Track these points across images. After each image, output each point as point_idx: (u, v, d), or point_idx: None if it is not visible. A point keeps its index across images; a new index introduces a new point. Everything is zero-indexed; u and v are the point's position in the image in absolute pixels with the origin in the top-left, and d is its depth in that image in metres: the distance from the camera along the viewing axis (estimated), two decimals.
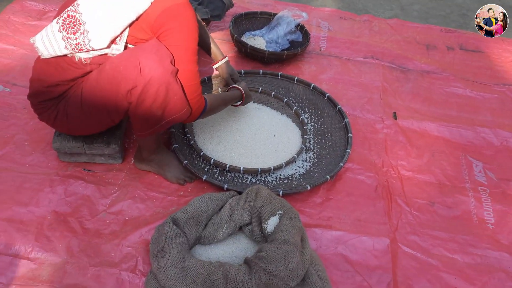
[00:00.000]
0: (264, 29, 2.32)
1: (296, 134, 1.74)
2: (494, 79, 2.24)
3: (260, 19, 2.36)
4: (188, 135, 1.60)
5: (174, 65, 1.23)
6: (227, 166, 1.50)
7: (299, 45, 2.24)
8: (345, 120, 1.78)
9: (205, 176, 1.45)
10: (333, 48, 2.34)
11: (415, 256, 1.40)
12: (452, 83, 2.18)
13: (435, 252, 1.42)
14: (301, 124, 1.77)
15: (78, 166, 1.50)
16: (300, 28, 2.29)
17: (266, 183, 1.53)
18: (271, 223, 1.23)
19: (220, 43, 2.22)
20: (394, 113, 1.95)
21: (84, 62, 1.26)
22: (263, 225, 1.24)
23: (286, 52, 2.07)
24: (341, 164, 1.58)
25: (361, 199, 1.55)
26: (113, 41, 1.23)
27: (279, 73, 1.98)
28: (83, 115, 1.31)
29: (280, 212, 1.25)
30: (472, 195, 1.62)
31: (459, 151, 1.82)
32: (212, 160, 1.51)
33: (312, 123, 1.82)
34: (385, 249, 1.40)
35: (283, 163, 1.56)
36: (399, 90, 2.10)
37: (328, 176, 1.52)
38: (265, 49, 2.14)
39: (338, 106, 1.84)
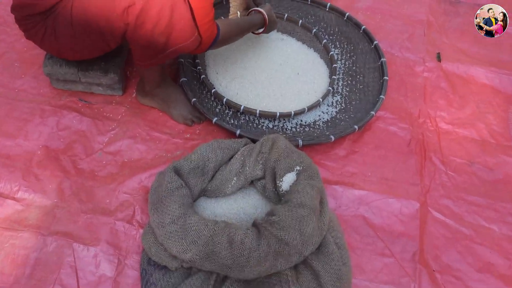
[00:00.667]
0: None
1: (323, 73, 1.52)
2: None
3: None
4: (199, 67, 1.40)
5: None
6: (242, 108, 1.31)
7: None
8: (382, 59, 1.53)
9: (215, 118, 1.27)
10: None
11: (447, 223, 1.25)
12: (509, 21, 1.86)
13: (469, 220, 1.26)
14: (330, 61, 1.54)
15: (73, 96, 1.33)
16: None
17: (284, 130, 1.35)
18: (287, 181, 1.07)
19: None
20: (438, 53, 1.69)
21: None
22: (278, 182, 1.08)
23: None
24: (372, 112, 1.38)
25: (390, 153, 1.37)
26: None
27: None
28: (74, 36, 1.11)
29: (298, 168, 1.08)
30: None
31: (508, 103, 1.58)
32: (224, 100, 1.32)
33: (343, 61, 1.58)
34: (414, 213, 1.24)
35: (306, 108, 1.36)
36: (446, 25, 1.81)
37: (356, 127, 1.33)
38: None
39: (375, 42, 1.58)
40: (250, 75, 1.44)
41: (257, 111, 1.31)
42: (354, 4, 1.82)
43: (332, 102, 1.46)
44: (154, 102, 1.31)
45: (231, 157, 1.14)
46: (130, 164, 1.22)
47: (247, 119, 1.35)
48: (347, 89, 1.50)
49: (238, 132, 1.25)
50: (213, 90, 1.34)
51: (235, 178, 1.11)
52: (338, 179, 1.28)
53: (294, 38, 1.61)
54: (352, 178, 1.29)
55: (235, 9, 1.63)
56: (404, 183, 1.31)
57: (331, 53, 1.54)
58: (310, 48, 1.59)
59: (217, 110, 1.35)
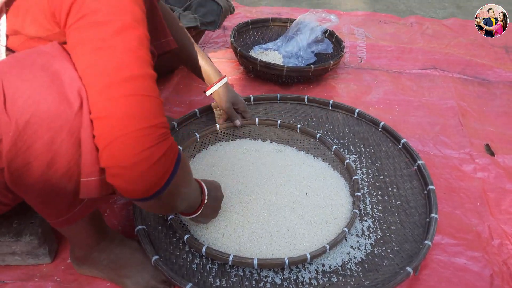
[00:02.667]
0: (279, 40, 1.76)
1: (342, 190, 1.12)
2: None
3: (273, 28, 1.81)
4: None
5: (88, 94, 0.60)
6: (230, 259, 0.88)
7: (329, 58, 1.65)
8: (418, 162, 1.15)
9: (189, 285, 0.82)
10: (376, 59, 1.75)
11: None
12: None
13: None
14: (347, 172, 1.15)
15: None
16: (329, 35, 1.72)
17: (300, 284, 0.90)
18: None
19: (219, 63, 1.65)
20: (487, 145, 1.32)
21: None
22: None
23: (313, 66, 1.49)
24: (427, 242, 0.94)
25: None
26: None
27: (306, 97, 1.39)
28: None
29: None
30: None
31: None
32: (204, 249, 0.90)
33: (364, 170, 1.20)
34: None
35: (327, 246, 0.93)
36: (484, 110, 1.47)
37: (410, 269, 0.88)
38: (282, 64, 1.56)
39: (403, 141, 1.22)
40: (239, 206, 1.03)
41: (255, 261, 0.88)
42: (361, 98, 1.52)
43: (363, 230, 1.03)
44: (97, 271, 0.88)
45: None
46: None
47: (241, 274, 0.91)
48: (379, 208, 1.09)
49: None
50: (186, 237, 0.92)
51: None
52: None
53: (294, 148, 1.26)
54: None
55: (217, 120, 1.31)
56: None
57: (347, 161, 1.16)
58: (318, 157, 1.22)
59: (194, 267, 0.92)
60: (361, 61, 1.73)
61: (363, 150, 1.27)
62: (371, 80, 1.61)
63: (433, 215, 1.01)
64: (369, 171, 1.20)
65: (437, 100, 1.50)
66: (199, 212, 0.85)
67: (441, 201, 1.13)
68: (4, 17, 0.63)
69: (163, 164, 0.61)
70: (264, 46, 1.76)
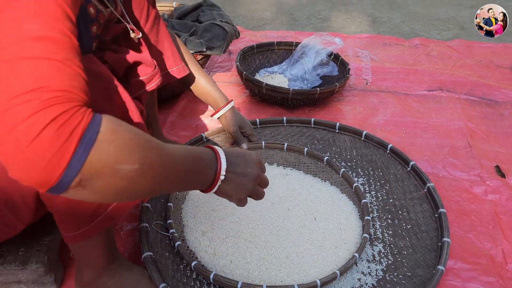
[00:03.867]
0: (284, 63, 1.79)
1: (351, 214, 1.12)
2: None
3: (278, 52, 1.84)
4: (172, 230, 1.00)
5: None
6: (239, 286, 0.87)
7: (335, 81, 1.67)
8: (428, 184, 1.15)
9: None
10: (382, 81, 1.76)
11: None
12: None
13: None
14: (356, 196, 1.15)
15: None
16: (334, 58, 1.74)
17: None
18: None
19: (224, 86, 1.68)
20: (497, 166, 1.32)
21: None
22: None
23: (318, 89, 1.50)
24: (440, 267, 0.93)
25: None
26: None
27: (312, 119, 1.40)
28: None
29: None
30: None
31: None
32: (212, 276, 0.89)
33: (373, 193, 1.20)
34: None
35: (337, 272, 0.92)
36: (493, 131, 1.48)
37: None
38: (288, 87, 1.58)
39: (411, 163, 1.22)
40: (247, 231, 1.03)
41: (264, 287, 0.87)
42: (368, 120, 1.52)
43: (374, 255, 1.02)
44: None
45: None
46: None
47: None
48: (390, 232, 1.08)
49: None
50: (193, 264, 0.92)
51: None
52: None
53: (301, 171, 1.26)
54: None
55: (225, 141, 1.32)
56: None
57: (355, 184, 1.16)
58: (325, 181, 1.22)
59: None
60: (366, 83, 1.74)
61: (371, 173, 1.27)
62: (377, 102, 1.63)
63: (445, 239, 1.00)
64: (378, 194, 1.20)
65: (445, 121, 1.51)
66: (215, 188, 0.69)
67: (453, 225, 1.12)
68: None
69: (53, 139, 0.43)
70: (269, 69, 1.79)
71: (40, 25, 0.46)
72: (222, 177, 0.69)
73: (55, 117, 0.43)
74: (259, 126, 1.40)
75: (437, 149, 1.38)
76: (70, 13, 0.50)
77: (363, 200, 1.12)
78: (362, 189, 1.18)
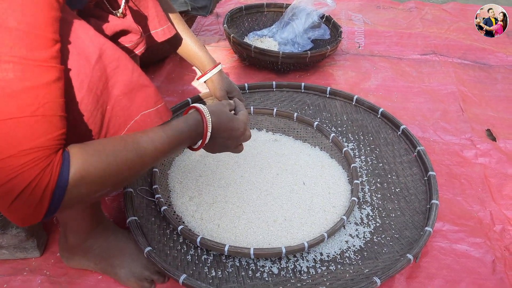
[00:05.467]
0: (274, 26, 1.75)
1: (340, 178, 1.12)
2: None
3: (268, 14, 1.80)
4: (157, 195, 1.00)
5: None
6: (226, 249, 0.88)
7: (326, 44, 1.65)
8: (418, 148, 1.15)
9: (183, 276, 0.82)
10: (375, 45, 1.74)
11: None
12: None
13: None
14: (345, 161, 1.15)
15: None
16: (326, 20, 1.71)
17: (297, 273, 0.90)
18: None
19: (212, 51, 1.65)
20: (488, 130, 1.32)
21: None
22: None
23: (309, 53, 1.48)
24: (428, 228, 0.94)
25: None
26: None
27: (302, 84, 1.38)
28: None
29: None
30: None
31: None
32: (198, 239, 0.90)
33: (363, 157, 1.20)
34: None
35: (325, 234, 0.93)
36: (486, 95, 1.47)
37: (410, 256, 0.89)
38: (277, 50, 1.55)
39: (402, 127, 1.22)
40: (235, 196, 1.03)
41: (251, 251, 0.88)
42: (360, 85, 1.51)
43: (362, 218, 1.03)
44: (88, 261, 0.88)
45: None
46: None
47: (237, 264, 0.91)
48: (378, 195, 1.09)
49: None
50: (179, 228, 0.92)
51: None
52: None
53: (291, 137, 1.25)
54: None
55: None
56: None
57: (345, 149, 1.16)
58: (315, 146, 1.22)
59: (189, 258, 0.92)
60: (359, 47, 1.72)
61: (362, 137, 1.26)
62: (370, 66, 1.61)
63: (433, 201, 1.01)
64: (368, 158, 1.20)
65: (437, 85, 1.50)
66: (201, 147, 0.76)
67: (442, 188, 1.13)
68: None
69: (27, 203, 0.51)
70: (258, 32, 1.76)
71: (14, 71, 0.48)
72: (207, 140, 0.75)
73: (26, 185, 0.50)
74: (247, 91, 1.38)
75: (429, 113, 1.38)
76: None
77: (353, 165, 1.12)
78: (352, 153, 1.18)
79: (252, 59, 1.54)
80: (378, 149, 1.22)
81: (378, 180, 1.14)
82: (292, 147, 1.22)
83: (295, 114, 1.27)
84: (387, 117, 1.27)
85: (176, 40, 1.17)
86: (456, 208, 1.08)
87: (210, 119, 0.74)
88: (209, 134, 0.74)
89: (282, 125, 1.29)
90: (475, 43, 1.75)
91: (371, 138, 1.25)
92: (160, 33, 1.05)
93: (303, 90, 1.39)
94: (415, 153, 1.16)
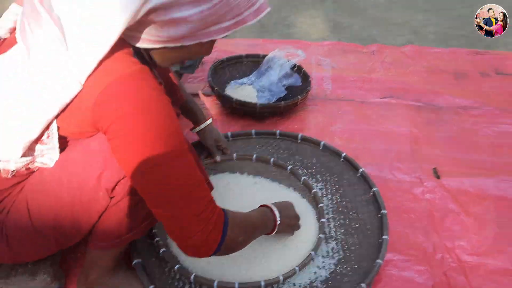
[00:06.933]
0: (253, 75, 1.95)
1: (310, 216, 1.32)
2: None
3: (247, 64, 2.00)
4: (157, 238, 1.17)
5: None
6: (215, 284, 1.06)
7: (298, 91, 1.85)
8: (373, 189, 1.35)
9: None
10: (341, 89, 1.96)
11: None
12: (499, 119, 1.78)
13: None
14: (314, 201, 1.35)
15: None
16: (297, 69, 1.92)
17: None
18: None
19: (198, 98, 1.83)
20: (434, 169, 1.53)
21: (4, 176, 0.85)
22: None
23: (283, 102, 1.68)
24: (378, 261, 1.14)
25: None
26: (36, 142, 0.82)
27: (277, 131, 1.58)
28: (30, 235, 0.89)
29: None
30: None
31: None
32: (192, 276, 1.08)
33: (329, 196, 1.40)
34: None
35: (296, 268, 1.12)
36: (434, 136, 1.69)
37: (364, 285, 1.08)
38: (255, 101, 1.75)
39: (361, 170, 1.42)
40: None
41: (236, 285, 1.06)
42: (328, 129, 1.72)
43: (328, 252, 1.23)
44: None
45: None
46: None
47: None
48: (342, 230, 1.29)
49: None
50: (176, 267, 1.10)
51: None
52: None
53: (268, 179, 1.45)
54: None
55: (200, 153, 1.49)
56: None
57: (314, 190, 1.36)
58: (289, 187, 1.42)
59: None
60: (326, 94, 1.93)
61: (329, 178, 1.46)
62: (336, 110, 1.82)
63: (384, 236, 1.21)
64: (333, 197, 1.40)
65: (393, 127, 1.72)
66: (275, 231, 1.10)
67: (394, 222, 1.33)
68: (54, 122, 0.79)
69: (212, 235, 0.82)
70: (239, 81, 1.95)
71: (199, 176, 0.80)
72: (278, 222, 1.09)
73: (209, 231, 0.81)
74: (230, 138, 1.57)
75: (385, 154, 1.59)
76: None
77: (320, 205, 1.32)
78: (320, 193, 1.38)
79: (233, 108, 1.73)
80: (342, 189, 1.42)
81: (342, 216, 1.33)
82: (270, 189, 1.41)
83: (272, 159, 1.46)
84: (349, 160, 1.47)
85: (172, 97, 1.38)
86: (405, 240, 1.28)
87: (275, 207, 1.10)
88: (277, 215, 1.09)
89: (261, 168, 1.47)
90: (427, 86, 1.98)
91: (336, 179, 1.45)
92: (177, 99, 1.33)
93: (278, 137, 1.59)
94: (371, 193, 1.36)
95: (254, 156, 1.47)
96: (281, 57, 1.89)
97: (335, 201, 1.39)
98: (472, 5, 2.60)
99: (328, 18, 2.57)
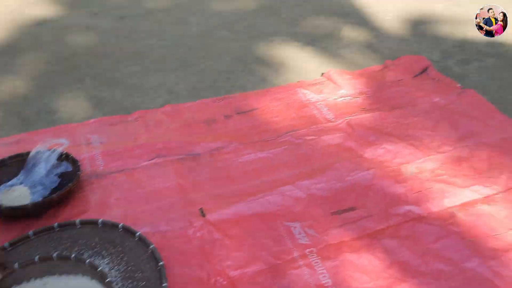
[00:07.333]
0: (21, 174, 1.99)
1: None
2: (274, 132, 2.37)
3: (13, 164, 2.03)
4: None
5: None
6: None
7: (72, 176, 1.98)
8: (150, 247, 1.59)
9: None
10: (113, 162, 2.15)
11: None
12: (243, 152, 2.23)
13: None
14: (102, 278, 1.50)
15: None
16: (65, 156, 2.04)
17: None
18: None
19: None
20: (201, 209, 1.86)
21: None
22: None
23: (55, 195, 1.79)
24: None
25: None
26: None
27: (55, 224, 1.69)
28: None
29: None
30: (302, 263, 1.61)
31: (274, 220, 1.82)
32: None
33: (117, 267, 1.58)
34: None
35: None
36: (197, 181, 2.04)
37: None
38: (27, 201, 1.81)
39: (137, 234, 1.64)
40: None
41: None
42: (107, 202, 1.89)
43: None
44: None
45: None
46: None
47: None
48: None
49: None
50: None
51: None
52: None
53: (55, 276, 1.54)
54: None
55: None
56: None
57: (99, 268, 1.52)
58: (77, 275, 1.54)
59: None
60: (100, 169, 2.10)
61: (113, 251, 1.64)
62: (111, 183, 2.00)
63: (164, 284, 1.45)
64: (120, 266, 1.58)
65: (162, 184, 1.99)
66: None
67: (176, 266, 1.58)
68: None
69: None
70: (8, 183, 1.96)
71: None
72: None
73: None
74: (10, 248, 1.61)
75: (160, 211, 1.85)
76: None
77: (107, 280, 1.48)
78: (107, 268, 1.55)
79: (6, 215, 1.76)
80: (126, 256, 1.61)
81: (130, 281, 1.53)
82: (60, 285, 1.51)
83: (54, 254, 1.55)
84: (126, 228, 1.68)
85: None
86: (185, 278, 1.54)
87: None
88: None
89: (47, 267, 1.54)
90: (187, 138, 2.33)
91: (120, 249, 1.64)
92: None
93: (57, 229, 1.69)
94: (149, 251, 1.60)
95: (36, 257, 1.55)
96: (45, 150, 1.99)
97: (122, 269, 1.57)
98: (212, 57, 3.13)
99: (90, 95, 2.74)
